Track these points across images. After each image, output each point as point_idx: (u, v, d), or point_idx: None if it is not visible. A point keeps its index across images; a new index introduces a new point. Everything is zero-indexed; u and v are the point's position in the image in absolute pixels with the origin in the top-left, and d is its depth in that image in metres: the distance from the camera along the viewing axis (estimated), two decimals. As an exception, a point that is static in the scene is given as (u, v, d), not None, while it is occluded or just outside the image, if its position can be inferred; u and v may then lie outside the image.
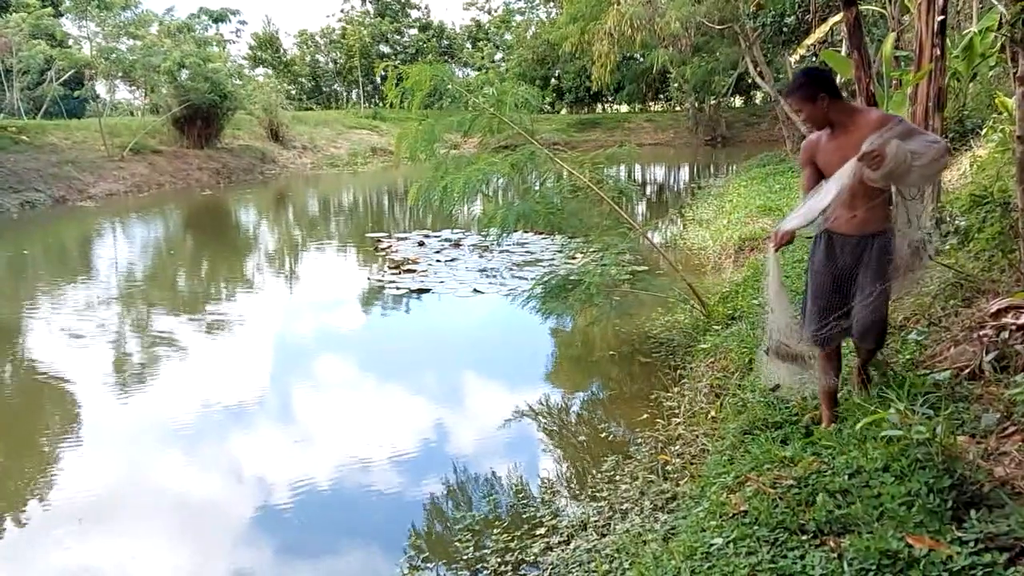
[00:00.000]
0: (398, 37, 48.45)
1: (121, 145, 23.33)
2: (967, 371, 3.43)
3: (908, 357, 3.61)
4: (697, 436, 4.39)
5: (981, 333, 3.62)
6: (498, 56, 50.12)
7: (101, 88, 30.90)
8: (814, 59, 16.76)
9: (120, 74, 25.49)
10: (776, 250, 3.45)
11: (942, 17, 5.89)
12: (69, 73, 27.89)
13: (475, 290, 9.05)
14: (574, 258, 9.33)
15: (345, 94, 50.22)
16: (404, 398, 6.12)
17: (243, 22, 38.72)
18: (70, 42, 29.33)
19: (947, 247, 5.06)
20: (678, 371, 5.75)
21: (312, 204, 21.42)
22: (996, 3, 8.17)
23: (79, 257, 13.40)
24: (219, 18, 36.34)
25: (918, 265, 3.33)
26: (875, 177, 3.12)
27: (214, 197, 21.45)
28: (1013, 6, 4.76)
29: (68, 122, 25.83)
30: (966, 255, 4.82)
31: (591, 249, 6.72)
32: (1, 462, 5.08)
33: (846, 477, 2.74)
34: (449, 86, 5.84)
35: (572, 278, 6.37)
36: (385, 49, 46.77)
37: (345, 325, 8.42)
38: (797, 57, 12.37)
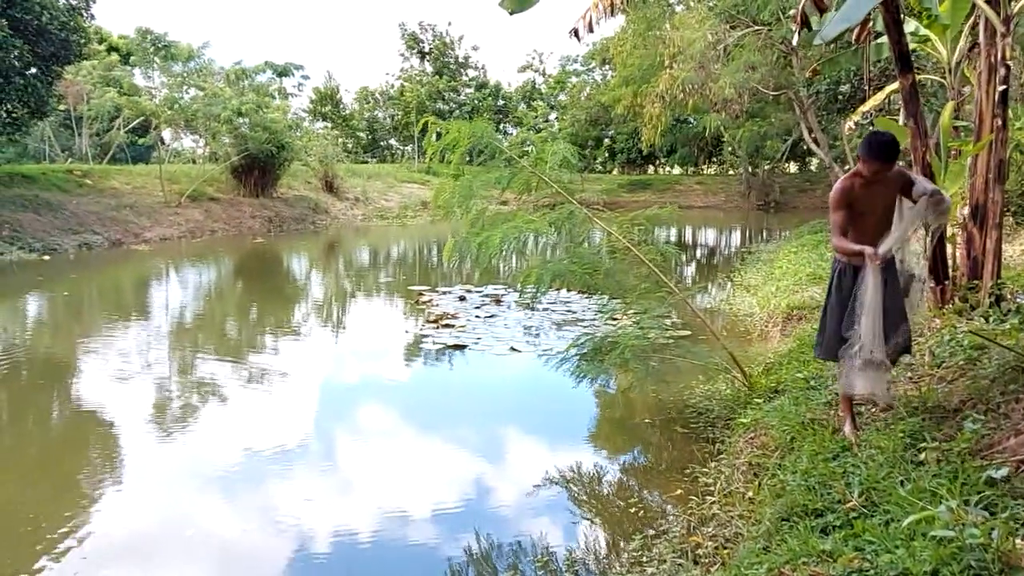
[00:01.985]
0: (454, 95, 49.50)
1: (180, 192, 24.03)
2: (1029, 465, 3.13)
3: (964, 446, 3.32)
4: (732, 518, 4.10)
5: (1045, 423, 3.33)
6: (552, 116, 50.81)
7: (168, 135, 32.12)
8: (870, 126, 16.52)
9: (183, 122, 26.44)
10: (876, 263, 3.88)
11: (1004, 87, 5.68)
12: (136, 121, 29.07)
13: (512, 348, 8.89)
14: (615, 319, 9.13)
15: (400, 148, 51.34)
16: (432, 457, 5.93)
17: (306, 77, 40.03)
18: (141, 91, 30.64)
19: (1007, 326, 4.76)
20: (716, 444, 5.47)
21: (359, 255, 21.65)
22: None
23: (127, 297, 13.64)
24: (283, 72, 37.73)
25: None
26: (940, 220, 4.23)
27: (264, 245, 21.85)
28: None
29: (131, 168, 26.77)
30: (1029, 336, 4.50)
31: (630, 311, 6.53)
32: (44, 500, 5.06)
33: (891, 580, 2.48)
34: (488, 143, 5.78)
35: (609, 340, 6.17)
36: (441, 106, 47.77)
37: (378, 379, 8.31)
38: (852, 124, 12.15)
